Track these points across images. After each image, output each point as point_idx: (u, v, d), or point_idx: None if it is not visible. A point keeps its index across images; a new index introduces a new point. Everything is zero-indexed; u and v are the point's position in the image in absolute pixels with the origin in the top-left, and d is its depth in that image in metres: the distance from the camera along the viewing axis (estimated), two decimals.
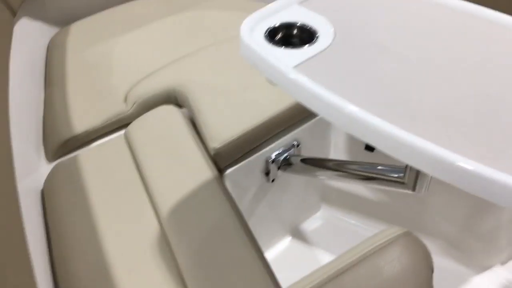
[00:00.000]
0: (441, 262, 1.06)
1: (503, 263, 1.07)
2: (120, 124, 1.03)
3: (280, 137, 1.02)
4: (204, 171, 0.88)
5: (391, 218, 1.18)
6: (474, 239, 1.07)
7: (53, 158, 0.99)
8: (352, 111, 0.52)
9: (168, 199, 0.83)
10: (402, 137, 0.48)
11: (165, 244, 0.77)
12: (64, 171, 0.92)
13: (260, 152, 1.00)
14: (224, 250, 0.75)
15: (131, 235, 0.79)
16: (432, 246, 0.75)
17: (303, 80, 0.57)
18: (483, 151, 0.47)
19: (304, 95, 0.57)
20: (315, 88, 0.55)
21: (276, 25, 0.66)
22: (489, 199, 0.44)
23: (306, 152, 1.10)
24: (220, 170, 0.95)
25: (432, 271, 0.67)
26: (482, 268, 1.08)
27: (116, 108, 1.04)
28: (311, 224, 1.25)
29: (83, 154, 0.95)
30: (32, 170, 0.93)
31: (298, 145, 1.06)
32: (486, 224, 1.04)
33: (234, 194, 0.87)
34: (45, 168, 0.96)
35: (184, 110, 1.04)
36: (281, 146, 1.03)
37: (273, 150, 1.02)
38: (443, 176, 0.46)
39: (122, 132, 1.01)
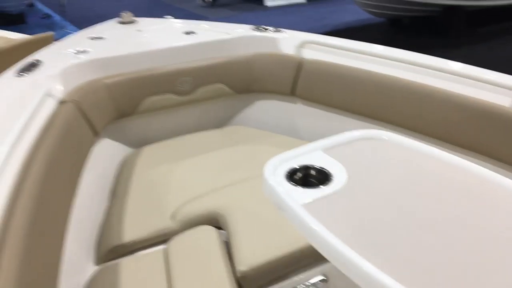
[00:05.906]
0: None
1: None
2: (164, 238, 1.14)
3: (307, 269, 1.05)
4: None
5: None
6: None
7: (100, 261, 1.09)
8: (347, 256, 0.58)
9: None
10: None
11: None
12: (106, 276, 1.01)
13: (286, 282, 1.03)
14: None
15: None
16: None
17: (305, 216, 0.65)
18: None
19: (305, 230, 0.64)
20: (315, 226, 0.63)
21: (297, 167, 0.77)
22: None
23: None
24: None
25: None
26: None
27: (163, 223, 1.15)
28: None
29: (126, 262, 1.04)
30: (79, 269, 1.03)
31: (325, 280, 1.08)
32: None
33: None
34: (91, 269, 1.06)
35: (222, 232, 1.13)
36: (308, 279, 1.06)
37: (299, 282, 1.05)
38: None
39: (164, 246, 1.11)
